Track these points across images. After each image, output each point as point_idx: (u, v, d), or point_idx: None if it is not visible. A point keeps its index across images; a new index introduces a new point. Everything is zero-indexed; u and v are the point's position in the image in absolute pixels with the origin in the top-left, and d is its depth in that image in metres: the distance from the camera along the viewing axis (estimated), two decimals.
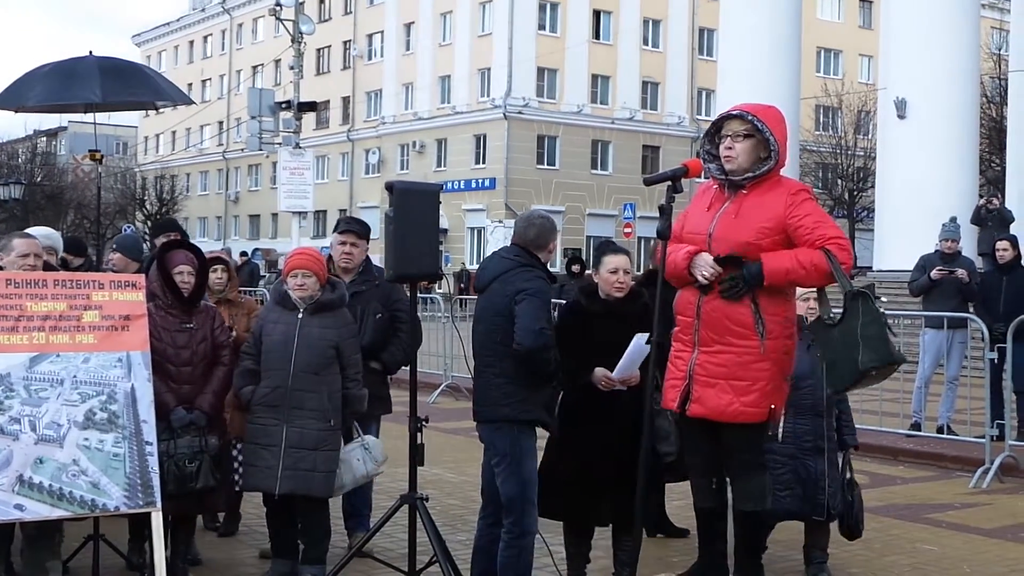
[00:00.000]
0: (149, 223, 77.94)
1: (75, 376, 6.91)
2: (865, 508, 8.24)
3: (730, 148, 6.64)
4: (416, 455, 7.54)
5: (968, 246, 18.98)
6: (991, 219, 21.50)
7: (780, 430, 7.66)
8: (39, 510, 6.70)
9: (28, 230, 9.07)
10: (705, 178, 6.90)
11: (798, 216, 6.56)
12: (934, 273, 14.32)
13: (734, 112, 6.75)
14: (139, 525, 7.76)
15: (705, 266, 6.59)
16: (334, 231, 8.96)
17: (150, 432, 7.00)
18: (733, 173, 6.66)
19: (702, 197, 6.84)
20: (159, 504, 6.97)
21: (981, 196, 28.13)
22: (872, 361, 6.45)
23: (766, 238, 6.54)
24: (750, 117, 6.64)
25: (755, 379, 6.57)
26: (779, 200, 6.59)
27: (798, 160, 36.66)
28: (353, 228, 8.80)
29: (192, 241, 9.07)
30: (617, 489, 7.15)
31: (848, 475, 8.05)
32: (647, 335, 6.91)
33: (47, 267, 8.18)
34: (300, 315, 7.64)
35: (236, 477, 8.38)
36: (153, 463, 6.98)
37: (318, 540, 7.85)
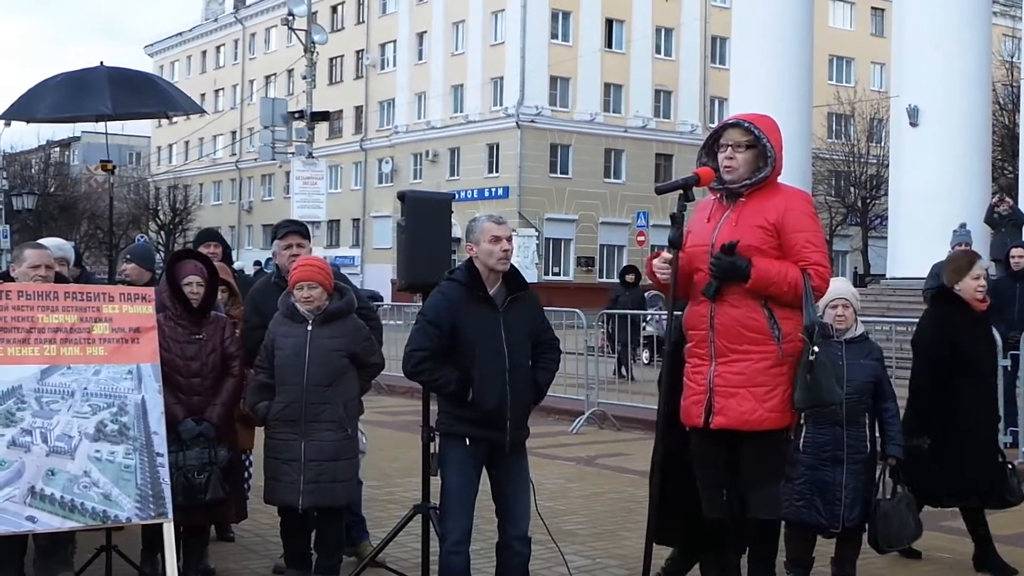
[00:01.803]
0: (163, 233, 78.26)
1: (86, 388, 6.92)
2: None
3: (731, 159, 6.64)
4: (429, 465, 7.55)
5: (981, 250, 18.92)
6: (1004, 223, 21.40)
7: (802, 438, 7.65)
8: (51, 522, 6.71)
9: (40, 240, 9.08)
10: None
11: (795, 228, 6.58)
12: None
13: (731, 121, 6.75)
14: (151, 536, 7.74)
15: (659, 264, 6.64)
16: (274, 238, 8.62)
17: (161, 443, 7.01)
18: (731, 182, 6.67)
19: (702, 211, 6.83)
20: (171, 515, 6.97)
21: (994, 195, 28.03)
22: (800, 401, 6.53)
23: (766, 243, 6.55)
24: (748, 125, 6.65)
25: (775, 384, 6.55)
26: (780, 205, 6.60)
27: (810, 168, 36.56)
28: (297, 229, 8.52)
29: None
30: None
31: (895, 487, 7.91)
32: None
33: (59, 278, 8.19)
34: (309, 327, 7.60)
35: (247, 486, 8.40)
36: (164, 474, 6.99)
37: (333, 550, 7.83)
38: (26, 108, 12.13)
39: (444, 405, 7.02)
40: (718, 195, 6.79)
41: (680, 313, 6.89)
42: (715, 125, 6.94)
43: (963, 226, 16.20)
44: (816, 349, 6.42)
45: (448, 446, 7.02)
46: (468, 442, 6.94)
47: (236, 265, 11.15)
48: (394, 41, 73.53)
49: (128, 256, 10.31)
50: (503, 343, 6.89)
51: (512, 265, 7.08)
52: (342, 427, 7.58)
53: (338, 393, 7.58)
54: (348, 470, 7.66)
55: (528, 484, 7.19)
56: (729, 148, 6.66)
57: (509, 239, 6.97)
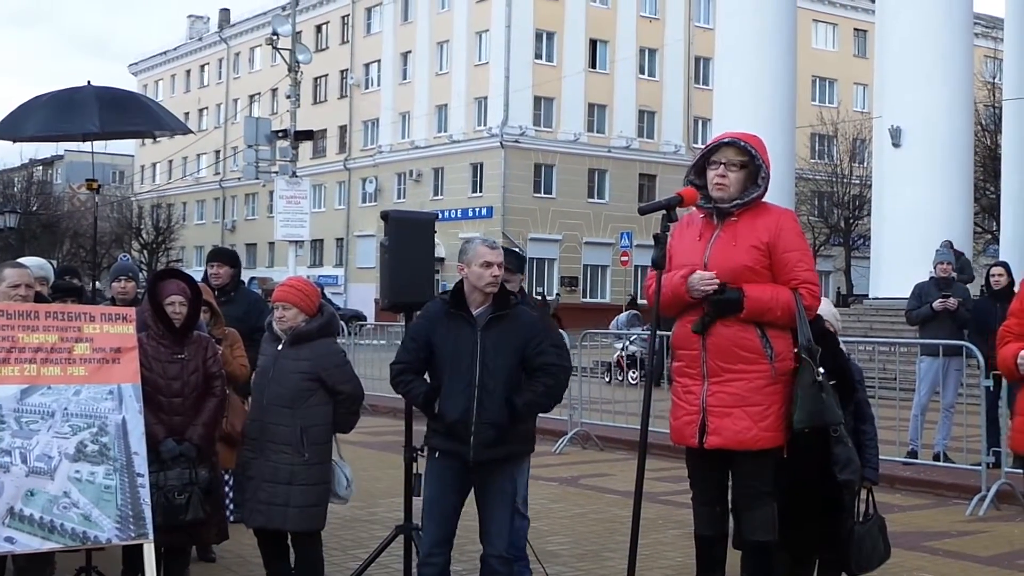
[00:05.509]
0: (145, 252, 78.12)
1: (66, 408, 6.87)
2: None
3: (724, 177, 6.60)
4: (412, 485, 7.54)
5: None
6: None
7: None
8: (30, 543, 6.65)
9: (20, 260, 9.06)
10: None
11: (788, 248, 6.59)
12: (936, 304, 14.30)
13: (727, 140, 6.72)
14: (132, 557, 7.70)
15: (703, 280, 6.53)
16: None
17: (141, 464, 6.97)
18: (721, 201, 6.65)
19: (688, 228, 6.78)
20: (151, 536, 6.93)
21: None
22: (801, 422, 6.51)
23: (760, 262, 6.56)
24: (744, 145, 6.62)
25: (770, 403, 6.54)
26: (772, 225, 6.61)
27: (793, 188, 36.65)
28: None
29: (189, 270, 9.08)
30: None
31: (867, 509, 7.88)
32: None
33: (39, 298, 8.16)
34: (280, 347, 7.61)
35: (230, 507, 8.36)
36: (145, 495, 6.94)
37: (312, 571, 7.78)
38: (13, 127, 12.13)
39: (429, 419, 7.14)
40: (705, 213, 6.76)
41: (665, 333, 6.89)
42: (699, 145, 6.95)
43: (945, 243, 16.19)
44: (822, 370, 6.45)
45: (428, 458, 7.16)
46: (437, 455, 7.05)
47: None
48: (378, 61, 73.65)
49: (130, 274, 10.40)
50: (476, 360, 6.92)
51: (502, 286, 7.10)
52: (299, 452, 7.46)
53: (298, 416, 7.47)
54: (304, 496, 7.50)
55: (506, 504, 7.15)
56: (722, 166, 6.61)
57: (500, 265, 7.03)
